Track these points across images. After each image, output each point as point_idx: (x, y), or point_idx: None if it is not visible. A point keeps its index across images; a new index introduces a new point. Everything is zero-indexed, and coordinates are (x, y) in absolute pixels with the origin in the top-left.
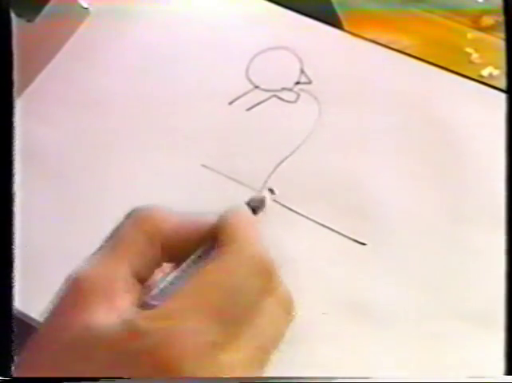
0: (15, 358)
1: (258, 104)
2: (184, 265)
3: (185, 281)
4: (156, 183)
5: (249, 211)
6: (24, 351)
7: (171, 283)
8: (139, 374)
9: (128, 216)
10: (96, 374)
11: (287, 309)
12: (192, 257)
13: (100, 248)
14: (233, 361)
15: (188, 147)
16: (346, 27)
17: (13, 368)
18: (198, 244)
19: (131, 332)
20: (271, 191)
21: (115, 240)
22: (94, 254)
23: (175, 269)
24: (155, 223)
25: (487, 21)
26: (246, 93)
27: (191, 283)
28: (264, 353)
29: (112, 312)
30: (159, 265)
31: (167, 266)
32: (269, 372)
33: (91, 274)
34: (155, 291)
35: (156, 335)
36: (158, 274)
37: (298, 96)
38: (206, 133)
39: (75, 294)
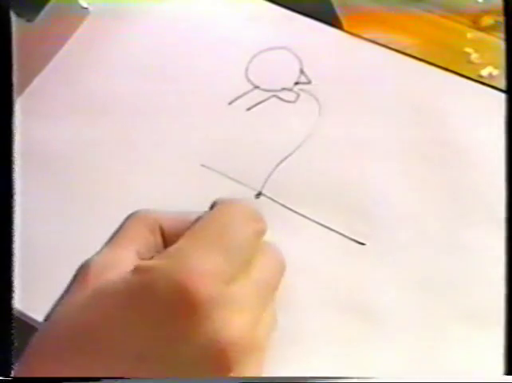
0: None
1: (258, 104)
2: None
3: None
4: (156, 182)
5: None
6: (38, 330)
7: None
8: (156, 309)
9: (129, 216)
10: (114, 321)
11: (278, 259)
12: None
13: (106, 243)
14: (242, 294)
15: (188, 147)
16: (346, 27)
17: (30, 342)
18: None
19: (141, 270)
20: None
21: (119, 234)
22: (101, 248)
23: None
24: (155, 217)
25: (487, 21)
26: (245, 93)
27: (191, 228)
28: (266, 290)
29: (122, 273)
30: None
31: None
32: (270, 372)
33: (100, 259)
34: None
35: (169, 265)
36: None
37: (298, 96)
38: (205, 133)
39: (86, 271)
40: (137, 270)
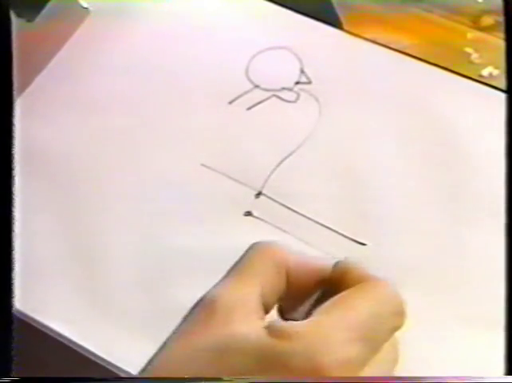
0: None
1: (258, 103)
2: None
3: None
4: (156, 182)
5: None
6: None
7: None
8: (286, 377)
9: (254, 247)
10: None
11: (396, 357)
12: (315, 298)
13: (229, 274)
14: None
15: (188, 146)
16: (346, 27)
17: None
18: (318, 285)
19: (282, 335)
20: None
21: (244, 267)
22: (223, 279)
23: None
24: (283, 256)
25: (487, 21)
26: (246, 93)
27: (334, 305)
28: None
29: (252, 325)
30: (281, 297)
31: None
32: None
33: (225, 295)
34: (296, 314)
35: (311, 340)
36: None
37: (298, 95)
38: (205, 132)
39: (210, 310)
40: (276, 332)
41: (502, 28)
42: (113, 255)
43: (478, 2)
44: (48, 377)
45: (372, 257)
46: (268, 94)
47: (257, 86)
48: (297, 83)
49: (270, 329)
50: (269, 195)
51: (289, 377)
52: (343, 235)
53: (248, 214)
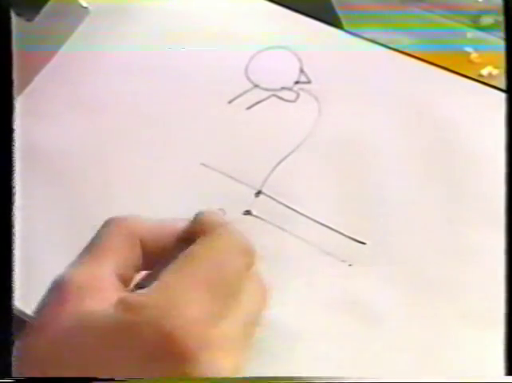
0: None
1: (258, 103)
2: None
3: (171, 263)
4: (156, 181)
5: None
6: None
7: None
8: (141, 350)
9: (106, 224)
10: (95, 361)
11: (264, 290)
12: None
13: (82, 253)
14: (226, 333)
15: (187, 146)
16: (345, 26)
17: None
18: (175, 247)
19: (128, 308)
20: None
21: (97, 245)
22: (76, 258)
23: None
24: (134, 227)
25: (487, 20)
26: (245, 92)
27: (180, 261)
28: (250, 327)
29: (103, 302)
30: (138, 268)
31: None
32: (269, 371)
33: (77, 274)
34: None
35: (157, 307)
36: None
37: (298, 95)
38: (205, 132)
39: (62, 292)
40: (123, 305)
41: (502, 28)
42: None
43: (478, 2)
44: (48, 377)
45: (371, 256)
46: (267, 94)
47: (256, 86)
48: (297, 82)
49: (120, 303)
50: (268, 194)
51: (148, 353)
52: (342, 234)
53: (247, 213)
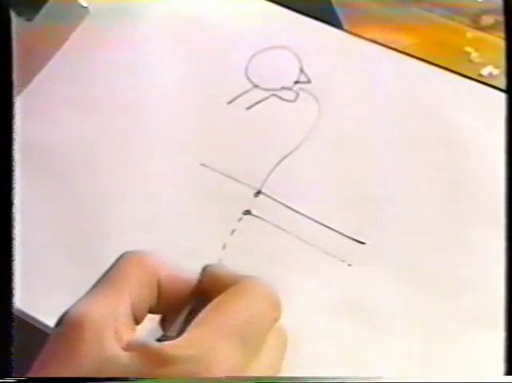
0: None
1: (258, 103)
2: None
3: (200, 315)
4: (155, 181)
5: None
6: None
7: (185, 320)
8: None
9: (125, 257)
10: None
11: (285, 343)
12: (189, 307)
13: (98, 286)
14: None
15: (187, 146)
16: (345, 26)
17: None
18: (191, 295)
19: (157, 361)
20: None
21: (115, 278)
22: (92, 290)
23: (162, 322)
24: (154, 267)
25: (487, 20)
26: (245, 92)
27: (210, 313)
28: (273, 374)
29: (121, 344)
30: (151, 309)
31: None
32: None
33: (93, 310)
34: (173, 326)
35: (190, 362)
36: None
37: (298, 95)
38: (205, 132)
39: (79, 328)
40: (150, 356)
41: (502, 27)
42: (114, 255)
43: (478, 2)
44: (48, 377)
45: (371, 256)
46: (267, 94)
47: (256, 86)
48: (297, 82)
49: (145, 352)
50: (268, 193)
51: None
52: (342, 234)
53: (247, 213)
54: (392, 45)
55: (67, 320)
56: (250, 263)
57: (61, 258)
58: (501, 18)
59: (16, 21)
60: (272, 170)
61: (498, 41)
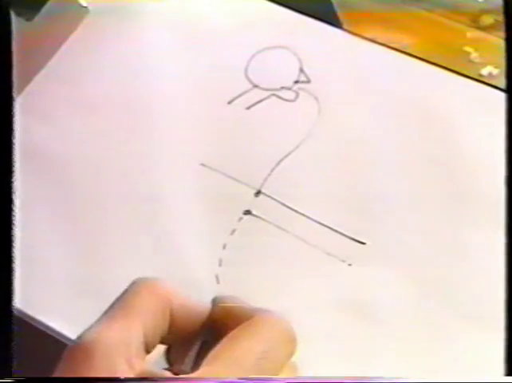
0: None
1: (258, 103)
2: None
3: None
4: (155, 181)
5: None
6: None
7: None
8: None
9: (138, 283)
10: None
11: (295, 370)
12: (200, 340)
13: (111, 312)
14: None
15: (187, 146)
16: (345, 26)
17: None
18: (203, 328)
19: None
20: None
21: (128, 305)
22: (104, 316)
23: (168, 353)
24: (167, 295)
25: (487, 20)
26: (245, 92)
27: (224, 348)
28: None
29: (131, 373)
30: (162, 339)
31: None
32: None
33: (105, 336)
34: (184, 358)
35: None
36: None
37: (297, 95)
38: (205, 132)
39: (91, 355)
40: None
41: (502, 27)
42: (114, 255)
43: (478, 2)
44: (48, 377)
45: (371, 256)
46: (267, 93)
47: (256, 86)
48: (297, 82)
49: None
50: (268, 193)
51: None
52: (342, 234)
53: (247, 213)
54: (392, 45)
55: (79, 344)
56: (250, 263)
57: (61, 258)
58: (501, 18)
59: (16, 21)
60: (272, 170)
61: (498, 41)
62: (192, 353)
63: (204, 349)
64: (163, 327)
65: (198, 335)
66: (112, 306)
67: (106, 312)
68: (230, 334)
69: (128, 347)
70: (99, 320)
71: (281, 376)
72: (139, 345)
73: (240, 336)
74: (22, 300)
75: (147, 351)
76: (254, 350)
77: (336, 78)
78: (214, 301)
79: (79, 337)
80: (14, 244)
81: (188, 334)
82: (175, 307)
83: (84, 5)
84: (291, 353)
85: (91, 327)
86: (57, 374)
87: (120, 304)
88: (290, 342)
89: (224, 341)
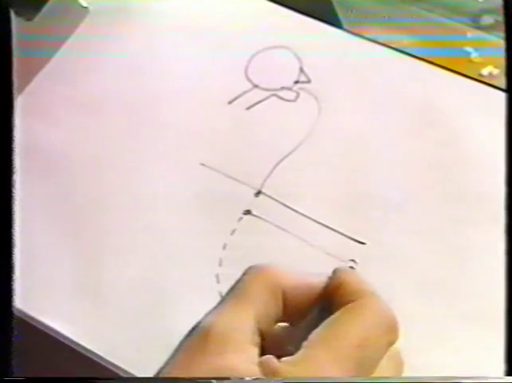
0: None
1: (258, 103)
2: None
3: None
4: (155, 181)
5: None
6: None
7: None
8: None
9: (249, 271)
10: None
11: (400, 364)
12: (313, 315)
13: (224, 300)
14: None
15: (187, 146)
16: (345, 26)
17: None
18: (313, 304)
19: (272, 375)
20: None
21: (240, 293)
22: (218, 305)
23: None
24: (278, 279)
25: (487, 20)
26: (245, 92)
27: (325, 333)
28: None
29: (246, 357)
30: (278, 321)
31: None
32: None
33: (218, 324)
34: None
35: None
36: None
37: (298, 95)
38: (205, 132)
39: (204, 341)
40: (267, 370)
41: (502, 27)
42: (114, 255)
43: (478, 2)
44: (48, 377)
45: (371, 256)
46: (267, 94)
47: (256, 86)
48: (297, 82)
49: (263, 367)
50: (268, 193)
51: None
52: (342, 234)
53: (247, 213)
54: (392, 45)
55: (194, 329)
56: (250, 263)
57: (61, 258)
58: (501, 18)
59: (16, 21)
60: (272, 170)
61: (498, 41)
62: (301, 329)
63: (315, 323)
64: (276, 311)
65: (314, 307)
66: (227, 294)
67: (221, 301)
68: (332, 317)
69: (240, 334)
70: (212, 309)
71: (383, 364)
72: (252, 331)
73: (341, 320)
74: (22, 300)
75: (263, 336)
76: (353, 337)
77: (336, 78)
78: (333, 272)
79: (195, 325)
80: (14, 244)
81: (304, 309)
82: (287, 289)
83: (85, 5)
84: (392, 341)
85: (207, 314)
86: (175, 357)
87: (234, 292)
88: (391, 330)
89: (325, 324)
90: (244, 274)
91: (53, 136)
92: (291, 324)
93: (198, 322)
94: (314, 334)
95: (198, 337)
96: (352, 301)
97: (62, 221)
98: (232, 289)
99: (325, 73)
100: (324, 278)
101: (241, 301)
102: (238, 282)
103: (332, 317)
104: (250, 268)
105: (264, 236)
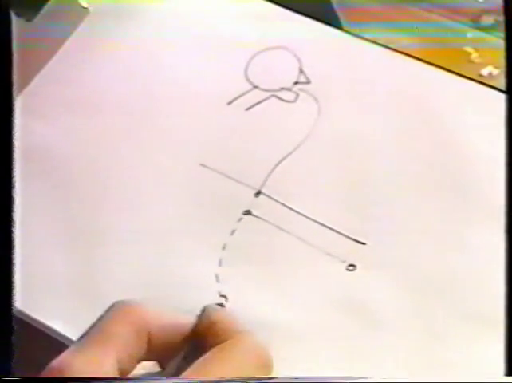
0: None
1: (257, 103)
2: (177, 360)
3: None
4: (155, 182)
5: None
6: None
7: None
8: None
9: (113, 308)
10: None
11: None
12: (182, 354)
13: (84, 337)
14: None
15: (187, 146)
16: (345, 26)
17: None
18: (183, 344)
19: None
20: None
21: (101, 331)
22: (77, 343)
23: (159, 367)
24: (143, 318)
25: (487, 20)
26: (244, 93)
27: (196, 373)
28: None
29: None
30: (140, 361)
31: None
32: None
33: (75, 363)
34: (171, 369)
35: None
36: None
37: (297, 95)
38: (204, 133)
39: (61, 381)
40: None
41: (502, 27)
42: (114, 255)
43: (478, 2)
44: (48, 377)
45: (371, 256)
46: (267, 94)
47: (256, 87)
48: (296, 83)
49: None
50: (268, 194)
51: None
52: (342, 235)
53: (247, 213)
54: (392, 45)
55: (50, 368)
56: (250, 263)
57: (61, 258)
58: (501, 18)
59: (16, 21)
60: (272, 170)
61: (498, 41)
62: (173, 364)
63: (187, 359)
64: (138, 352)
65: (181, 348)
66: (86, 332)
67: (80, 338)
68: (203, 357)
69: (99, 373)
70: (72, 346)
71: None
72: (112, 371)
73: (212, 359)
74: (22, 300)
75: (124, 374)
76: (224, 375)
77: (336, 78)
78: (202, 311)
79: (53, 363)
80: (14, 244)
81: (171, 350)
82: (153, 329)
83: (85, 5)
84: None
85: (64, 353)
86: None
87: (95, 330)
88: (264, 367)
89: (195, 364)
90: (108, 310)
91: (52, 136)
92: (160, 364)
93: (52, 363)
94: (186, 372)
95: (56, 376)
96: (224, 340)
97: (62, 221)
98: (94, 325)
99: (325, 74)
100: (194, 317)
101: (102, 339)
102: (101, 318)
103: (204, 357)
104: (114, 304)
105: (264, 236)
